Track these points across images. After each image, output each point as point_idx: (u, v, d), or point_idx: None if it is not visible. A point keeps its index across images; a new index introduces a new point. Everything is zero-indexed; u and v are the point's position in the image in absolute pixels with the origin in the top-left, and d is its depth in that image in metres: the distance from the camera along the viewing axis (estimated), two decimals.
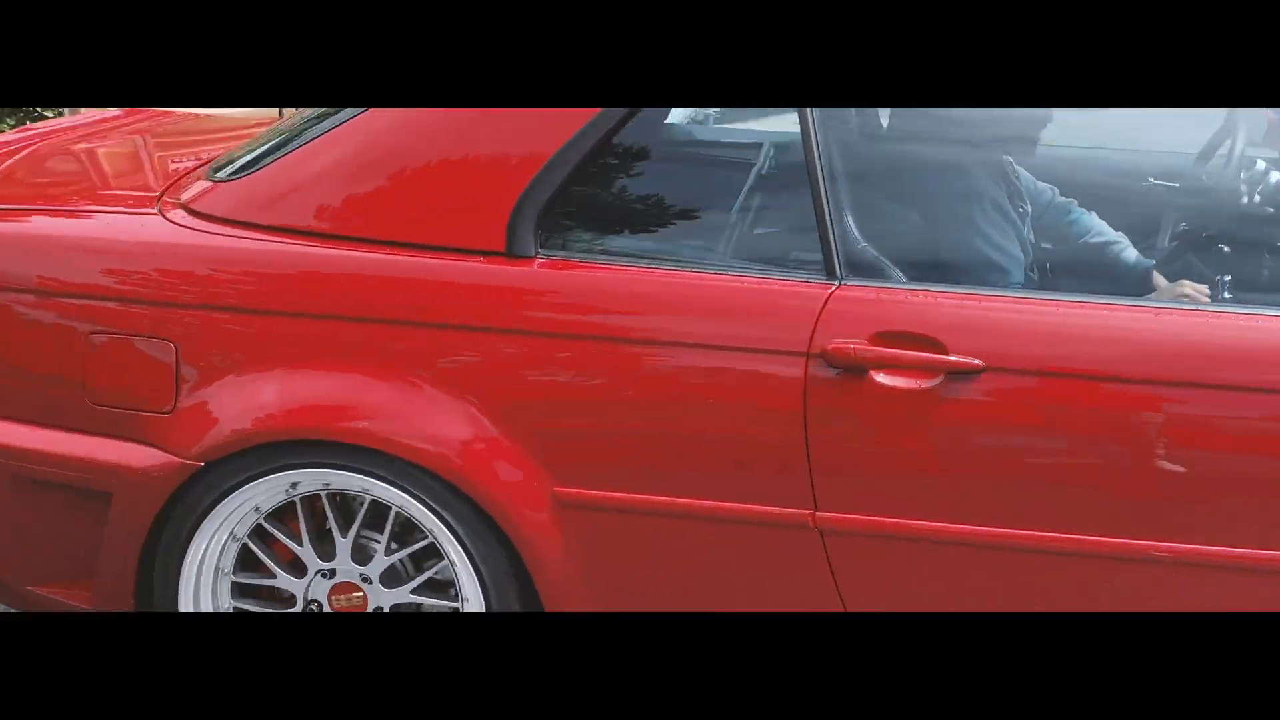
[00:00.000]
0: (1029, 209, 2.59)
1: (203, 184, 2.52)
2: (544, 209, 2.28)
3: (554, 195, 2.28)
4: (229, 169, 2.53)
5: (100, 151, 3.04)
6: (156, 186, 2.67)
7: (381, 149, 2.36)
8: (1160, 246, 2.73)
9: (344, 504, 2.45)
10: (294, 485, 2.38)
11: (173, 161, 2.97)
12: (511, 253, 2.29)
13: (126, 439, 2.39)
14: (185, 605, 2.46)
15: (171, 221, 2.43)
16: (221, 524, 2.40)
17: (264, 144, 2.60)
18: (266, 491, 2.38)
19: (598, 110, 2.26)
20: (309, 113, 2.67)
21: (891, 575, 2.27)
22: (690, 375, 2.25)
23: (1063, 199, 2.79)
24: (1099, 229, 2.72)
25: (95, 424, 2.41)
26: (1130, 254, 2.67)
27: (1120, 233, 2.71)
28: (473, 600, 2.38)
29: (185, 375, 2.35)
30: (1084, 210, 2.75)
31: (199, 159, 2.81)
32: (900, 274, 2.25)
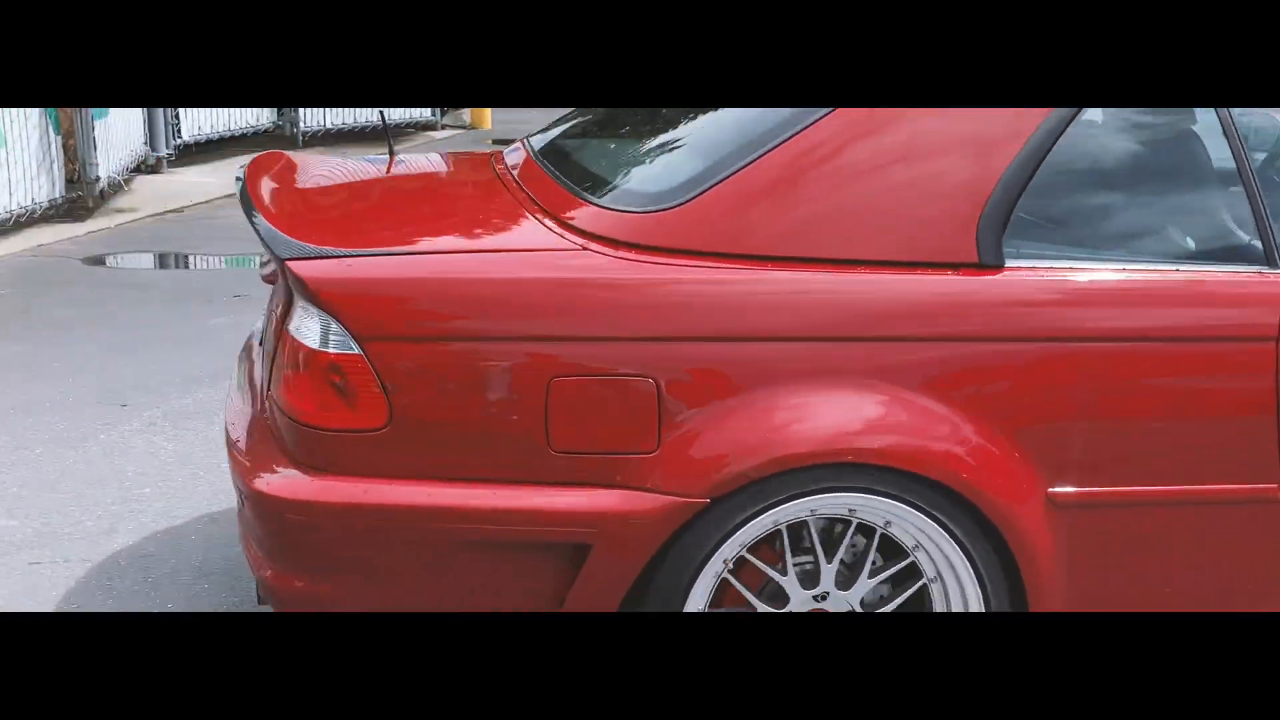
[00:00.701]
0: None
1: (613, 214, 2.39)
2: (1005, 218, 2.34)
3: (1013, 204, 2.35)
4: (629, 195, 2.43)
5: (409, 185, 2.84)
6: (524, 218, 2.52)
7: (838, 171, 2.35)
8: None
9: (827, 530, 2.39)
10: (803, 512, 2.31)
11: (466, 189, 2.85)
12: (983, 263, 2.33)
13: (600, 486, 2.24)
14: None
15: (609, 255, 2.31)
16: (720, 561, 2.29)
17: (644, 162, 2.54)
18: (766, 524, 2.28)
19: (1049, 111, 2.35)
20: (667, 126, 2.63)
21: None
22: (1165, 367, 2.36)
23: None
24: None
25: (559, 474, 2.25)
26: None
27: None
28: (972, 602, 2.36)
29: (669, 411, 2.24)
30: None
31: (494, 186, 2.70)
32: None
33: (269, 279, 2.76)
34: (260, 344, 2.80)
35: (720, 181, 2.34)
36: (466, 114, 12.81)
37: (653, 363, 2.24)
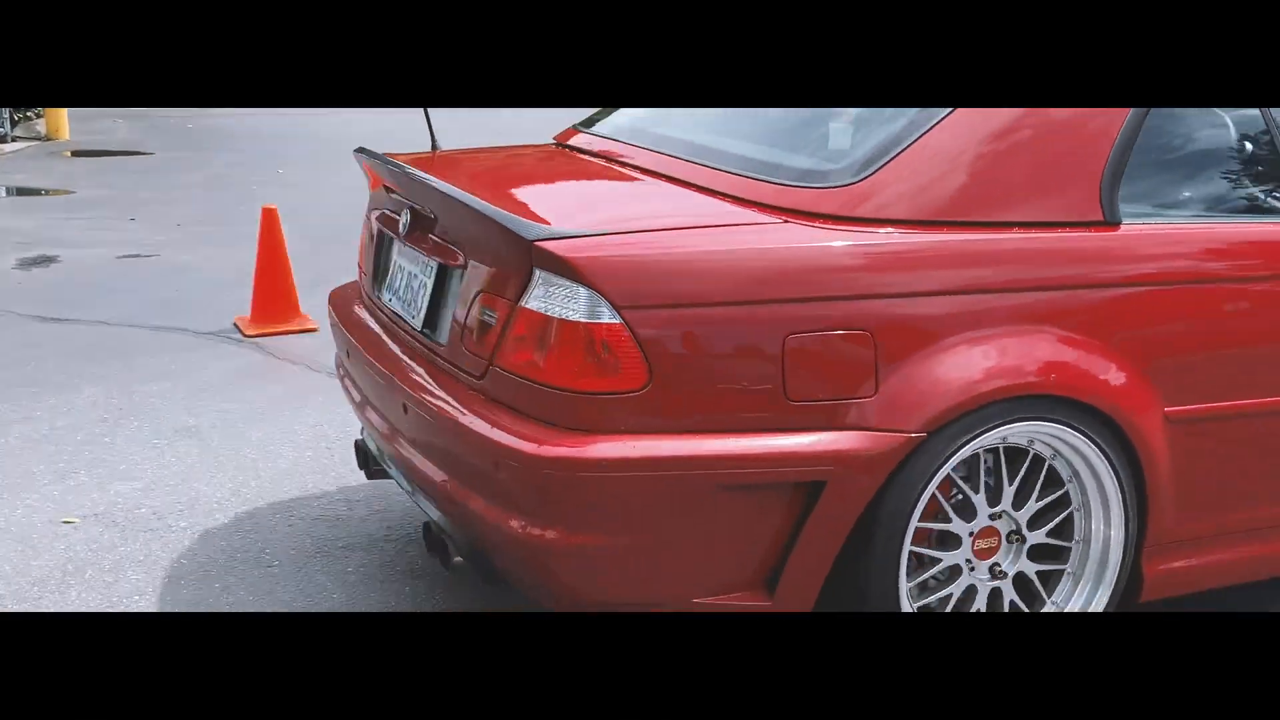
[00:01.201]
0: None
1: (799, 191, 2.70)
2: (1121, 183, 2.79)
3: (1123, 171, 2.80)
4: (806, 175, 2.75)
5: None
6: (702, 197, 2.80)
7: (995, 150, 2.74)
8: None
9: (1007, 456, 2.79)
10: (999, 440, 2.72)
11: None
12: (1108, 220, 2.78)
13: (831, 429, 2.56)
14: (904, 571, 2.67)
15: (812, 227, 2.63)
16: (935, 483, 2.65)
17: (790, 147, 2.89)
18: (969, 451, 2.66)
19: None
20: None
21: None
22: (1257, 302, 2.87)
23: None
24: None
25: (795, 421, 2.56)
26: None
27: None
28: (1113, 500, 2.81)
29: (884, 358, 2.58)
30: None
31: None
32: None
33: (413, 240, 2.96)
34: (421, 331, 2.95)
35: (889, 161, 2.70)
36: (42, 125, 11.96)
37: (867, 318, 2.58)
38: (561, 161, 3.36)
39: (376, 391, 3.10)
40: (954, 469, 2.70)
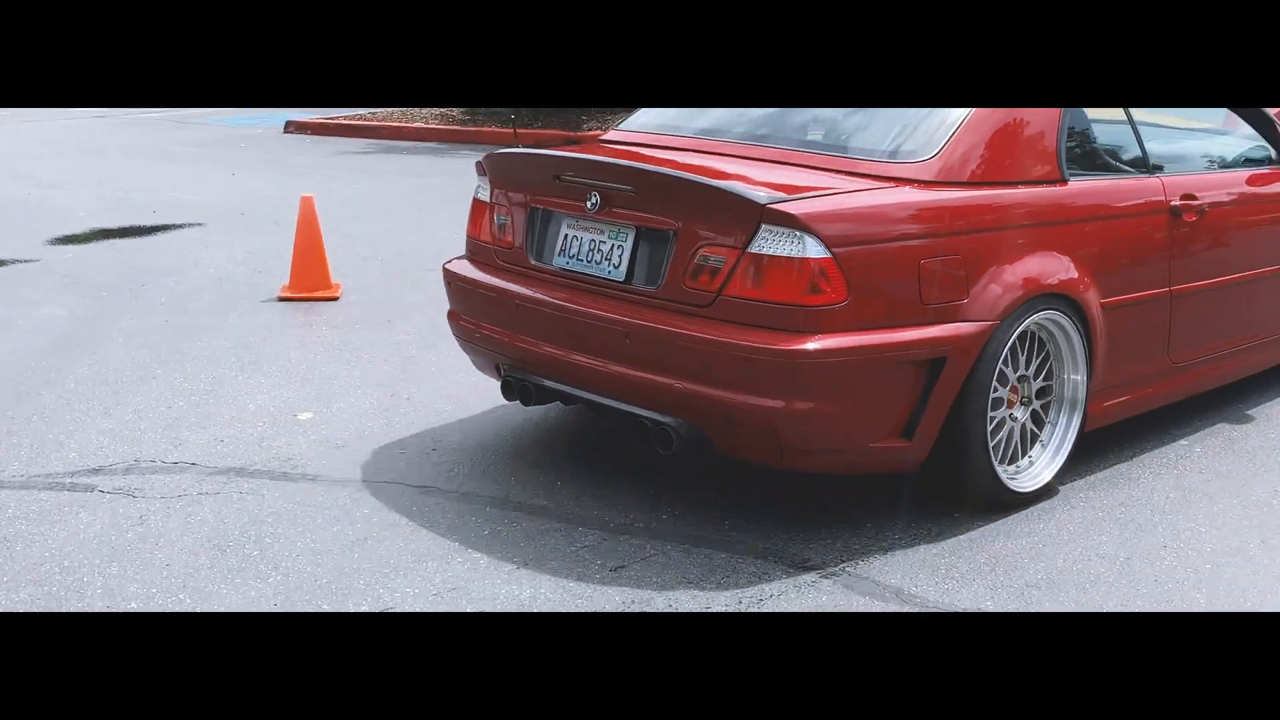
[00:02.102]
0: None
1: (901, 164, 4.02)
2: (1064, 155, 4.29)
3: (1064, 147, 4.30)
4: (900, 154, 4.06)
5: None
6: (823, 173, 4.02)
7: (1001, 134, 4.15)
8: None
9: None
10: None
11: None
12: (1064, 179, 4.27)
13: (948, 322, 3.88)
14: (988, 416, 4.01)
15: (917, 188, 3.94)
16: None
17: (872, 131, 4.18)
18: (1020, 330, 4.05)
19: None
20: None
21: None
22: (1143, 228, 4.46)
23: None
24: None
25: (927, 318, 3.86)
26: None
27: None
28: (1078, 355, 4.28)
29: (972, 273, 3.93)
30: None
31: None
32: None
33: (603, 214, 4.04)
34: (623, 281, 4.00)
35: (943, 149, 4.06)
36: None
37: (958, 246, 3.92)
38: (679, 151, 4.46)
39: (569, 329, 4.09)
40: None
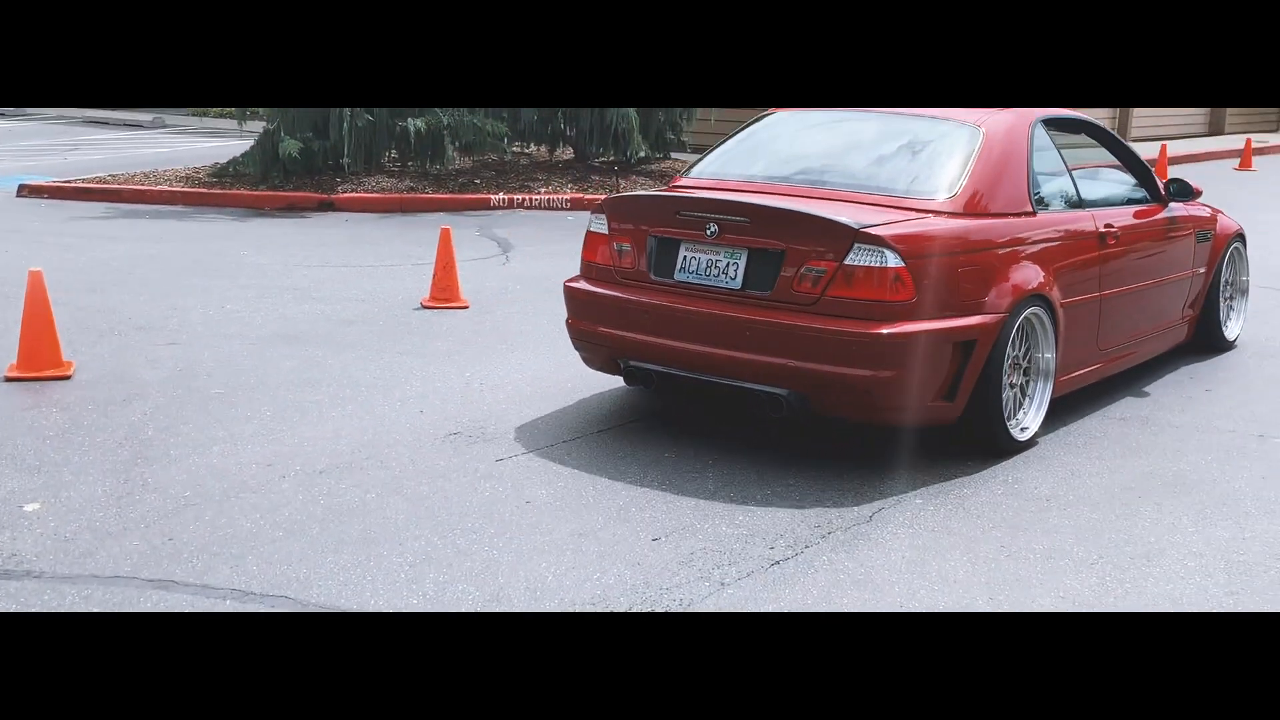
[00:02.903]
0: None
1: (930, 200, 5.47)
2: (1031, 192, 5.84)
3: (1032, 186, 5.85)
4: (927, 191, 5.50)
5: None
6: (877, 208, 5.43)
7: (994, 179, 5.66)
8: None
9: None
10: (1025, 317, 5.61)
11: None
12: (1034, 211, 5.81)
13: (977, 314, 5.36)
14: (1005, 384, 5.46)
15: (945, 218, 5.40)
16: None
17: (903, 169, 5.61)
18: (1020, 320, 5.54)
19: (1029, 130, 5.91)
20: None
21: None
22: (1087, 247, 6.03)
23: None
24: None
25: (963, 310, 5.33)
26: None
27: None
28: (1050, 340, 5.80)
29: (992, 277, 5.43)
30: None
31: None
32: None
33: (720, 240, 5.34)
34: (741, 290, 5.30)
35: (961, 188, 5.56)
36: None
37: (980, 259, 5.41)
38: (758, 194, 5.78)
39: (692, 326, 5.38)
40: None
